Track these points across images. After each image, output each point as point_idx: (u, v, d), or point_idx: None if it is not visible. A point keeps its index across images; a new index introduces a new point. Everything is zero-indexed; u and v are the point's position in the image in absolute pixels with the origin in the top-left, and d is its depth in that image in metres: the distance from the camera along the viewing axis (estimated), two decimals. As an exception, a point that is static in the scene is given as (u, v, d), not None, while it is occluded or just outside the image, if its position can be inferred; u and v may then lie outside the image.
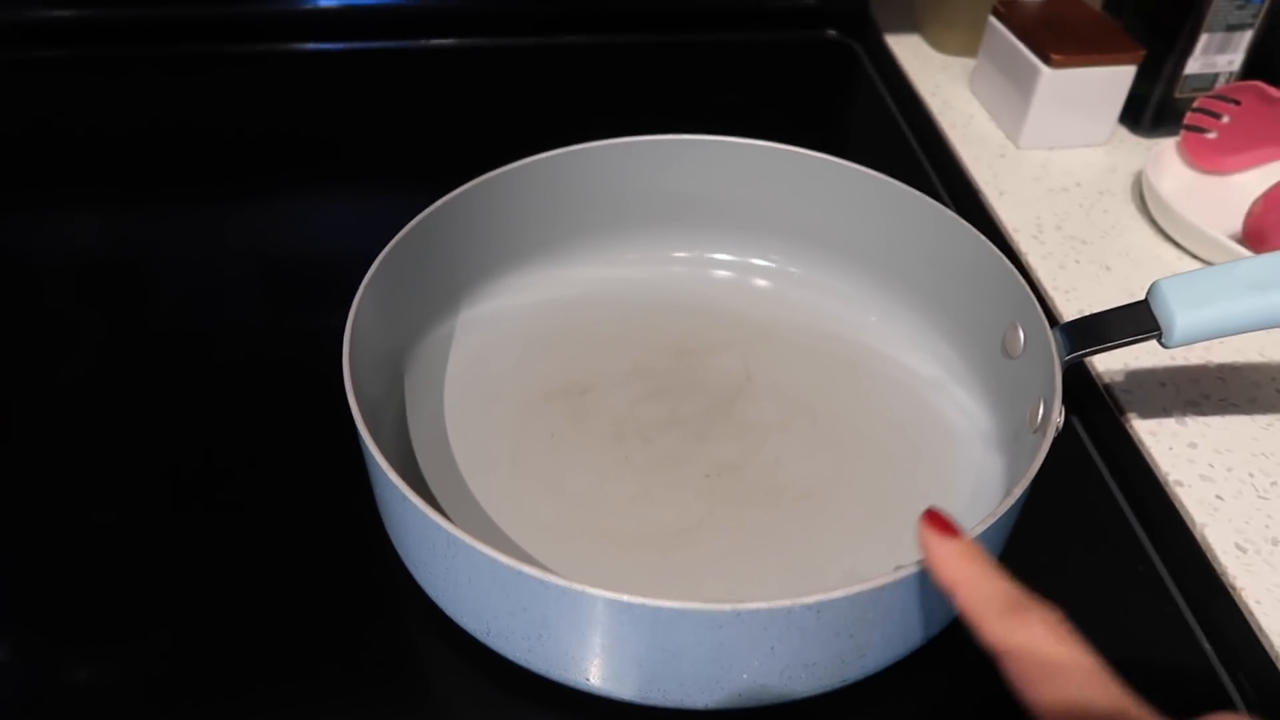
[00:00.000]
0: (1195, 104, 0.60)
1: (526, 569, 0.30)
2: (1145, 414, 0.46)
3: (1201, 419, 0.46)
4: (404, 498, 0.33)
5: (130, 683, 0.36)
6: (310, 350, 0.43)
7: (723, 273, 0.53)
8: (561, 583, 0.30)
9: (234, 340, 0.50)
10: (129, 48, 0.72)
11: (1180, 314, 0.37)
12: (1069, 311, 0.52)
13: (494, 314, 0.49)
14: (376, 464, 0.34)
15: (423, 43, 0.75)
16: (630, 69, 0.75)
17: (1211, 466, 0.44)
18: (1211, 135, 0.60)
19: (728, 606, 0.29)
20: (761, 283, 0.52)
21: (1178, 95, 0.64)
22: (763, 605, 0.30)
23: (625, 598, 0.30)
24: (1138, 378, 0.48)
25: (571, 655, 0.33)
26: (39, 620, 0.38)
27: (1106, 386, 0.47)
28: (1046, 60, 0.61)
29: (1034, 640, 0.25)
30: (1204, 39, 0.61)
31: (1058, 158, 0.64)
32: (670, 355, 0.48)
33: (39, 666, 0.36)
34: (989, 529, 0.32)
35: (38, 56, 0.71)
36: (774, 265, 0.53)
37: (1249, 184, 0.59)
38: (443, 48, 0.75)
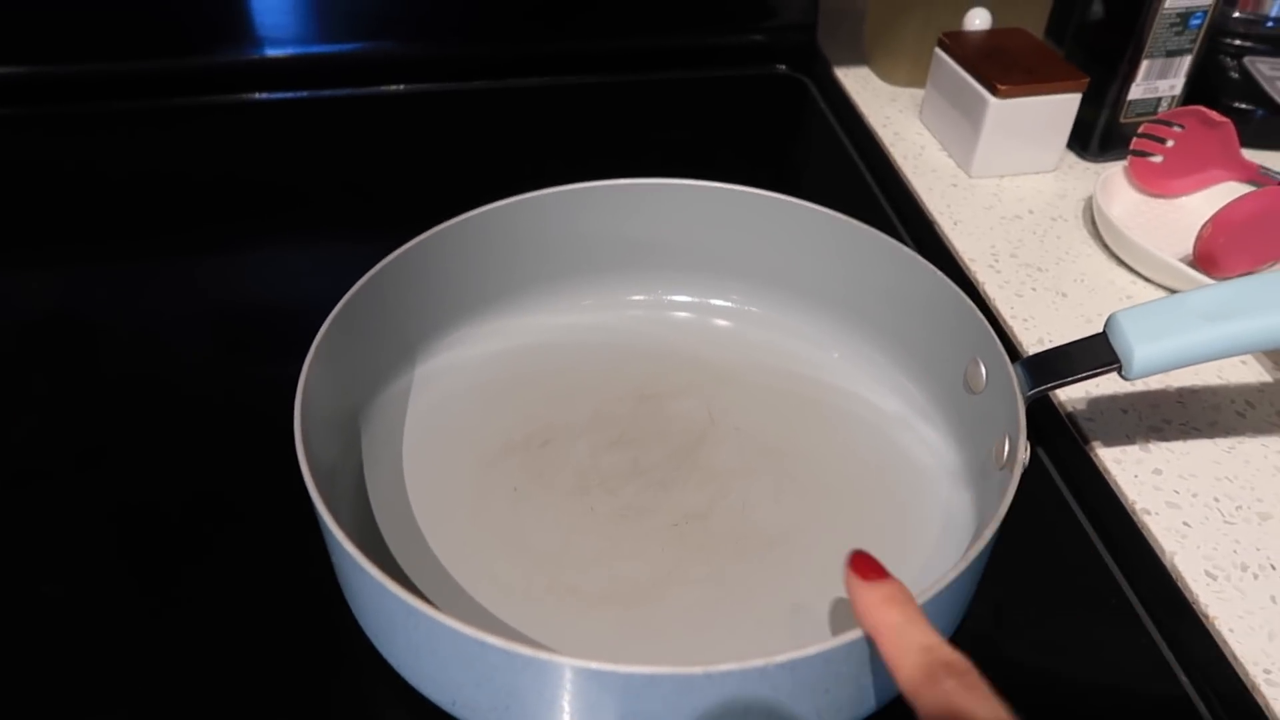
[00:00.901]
0: (1140, 129, 0.61)
1: (489, 639, 0.29)
2: (1109, 442, 0.46)
3: (1164, 444, 0.46)
4: (360, 568, 0.31)
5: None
6: (268, 402, 0.41)
7: (682, 314, 0.52)
8: (526, 652, 0.29)
9: (188, 396, 0.48)
10: (77, 105, 0.70)
11: (1139, 347, 0.37)
12: (1028, 340, 0.52)
13: (451, 366, 0.48)
14: (331, 532, 0.33)
15: (373, 89, 0.74)
16: (581, 109, 0.75)
17: (1177, 493, 0.44)
18: (1157, 159, 0.61)
19: (699, 669, 0.29)
20: (722, 323, 0.52)
21: (1123, 120, 0.65)
22: (734, 666, 0.29)
23: (593, 665, 0.29)
24: (1099, 405, 0.48)
25: (540, 724, 0.32)
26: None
27: (1069, 415, 0.47)
28: (993, 90, 0.61)
29: (948, 694, 0.26)
30: (1145, 65, 0.62)
31: (1009, 185, 0.64)
32: (631, 401, 0.47)
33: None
34: (962, 574, 0.32)
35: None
36: (733, 305, 0.52)
37: (1197, 206, 0.60)
38: (392, 94, 0.74)
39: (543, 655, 0.29)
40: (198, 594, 0.40)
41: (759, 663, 0.29)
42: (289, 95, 0.73)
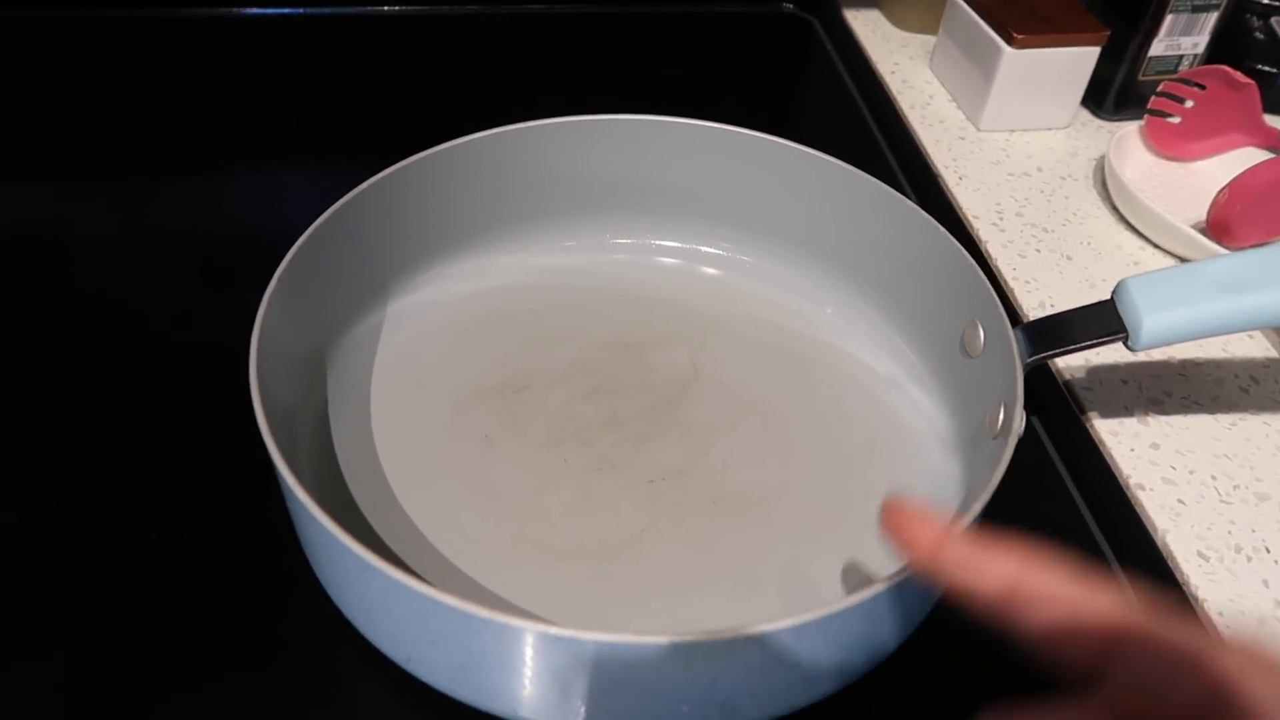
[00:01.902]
0: (1159, 88, 0.58)
1: (444, 598, 0.28)
2: (1106, 413, 0.44)
3: (1164, 418, 0.44)
4: (312, 516, 0.30)
5: (32, 703, 0.33)
6: (232, 331, 0.39)
7: (669, 260, 0.50)
8: (483, 613, 0.27)
9: (152, 321, 0.46)
10: (54, 11, 0.67)
11: (1148, 316, 0.35)
12: (1029, 304, 0.50)
13: (424, 305, 0.46)
14: (284, 478, 0.31)
15: (362, 9, 0.71)
16: (576, 39, 0.71)
17: (1174, 469, 0.42)
18: (1175, 120, 0.58)
19: (664, 639, 0.27)
20: (710, 271, 0.50)
21: (1141, 78, 0.62)
22: (701, 637, 0.27)
23: (552, 630, 0.27)
24: (1098, 374, 0.46)
25: (497, 687, 0.30)
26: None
27: (1067, 384, 0.46)
28: (1009, 39, 0.58)
29: (1015, 572, 0.24)
30: (1169, 20, 0.59)
31: (1019, 140, 0.62)
32: (612, 350, 0.45)
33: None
34: (946, 549, 0.30)
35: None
36: (724, 253, 0.50)
37: (1213, 171, 0.58)
38: (381, 14, 0.71)
39: (499, 617, 0.27)
40: (148, 528, 0.38)
41: (727, 634, 0.27)
42: (277, 11, 0.70)
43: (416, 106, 0.63)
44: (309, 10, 0.70)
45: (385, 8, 0.71)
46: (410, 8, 0.71)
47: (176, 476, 0.40)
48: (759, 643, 0.28)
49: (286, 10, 0.70)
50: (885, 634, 0.32)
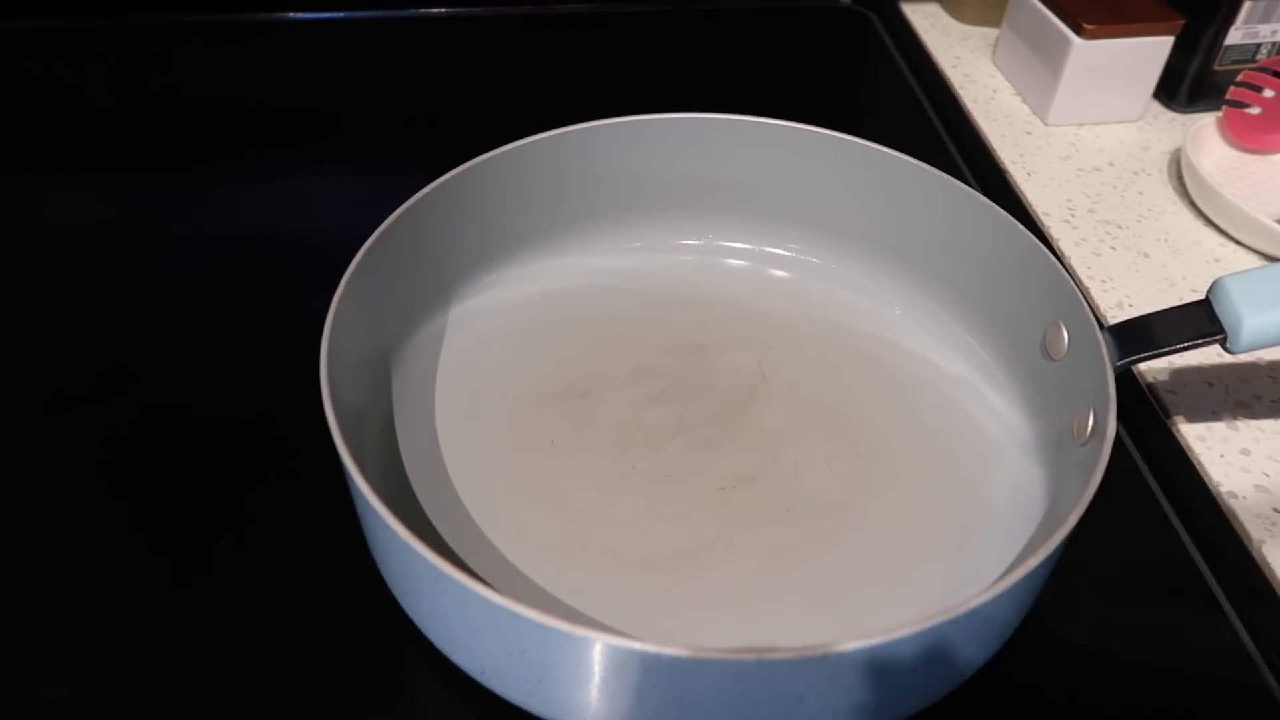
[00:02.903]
0: (1238, 77, 0.56)
1: (522, 610, 0.27)
2: (1193, 418, 0.42)
3: (1254, 422, 0.42)
4: (385, 525, 0.29)
5: (97, 709, 0.32)
6: (299, 335, 0.39)
7: (736, 262, 0.49)
8: (562, 626, 0.27)
9: (217, 327, 0.46)
10: (108, 19, 0.67)
11: (1249, 317, 0.34)
12: (1106, 303, 0.48)
13: (488, 308, 0.46)
14: (356, 484, 0.30)
15: (413, 12, 0.70)
16: (631, 39, 0.70)
17: (1267, 475, 0.40)
18: (1255, 111, 0.56)
19: (751, 656, 0.26)
20: (778, 273, 0.48)
21: (1217, 68, 0.60)
22: (790, 654, 0.26)
23: (635, 645, 0.26)
24: (1183, 377, 0.44)
25: (576, 701, 0.29)
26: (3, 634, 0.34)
27: (1150, 387, 0.44)
28: (1078, 30, 0.57)
29: None
30: (1247, 6, 0.57)
31: (1088, 135, 0.60)
32: (678, 353, 0.44)
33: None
34: (1043, 562, 0.29)
35: (10, 27, 0.66)
36: (792, 255, 0.49)
37: (1296, 164, 0.55)
38: (433, 17, 0.70)
39: (579, 630, 0.27)
40: (217, 534, 0.38)
41: (818, 651, 0.26)
42: (326, 16, 0.69)
43: (470, 109, 0.62)
44: (357, 14, 0.70)
45: (435, 9, 0.71)
46: (460, 9, 0.71)
47: (244, 482, 0.40)
48: (849, 660, 0.27)
49: (335, 14, 0.70)
50: (976, 649, 0.31)
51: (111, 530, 0.38)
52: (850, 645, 0.26)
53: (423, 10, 0.71)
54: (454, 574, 0.28)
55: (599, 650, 0.27)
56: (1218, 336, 0.35)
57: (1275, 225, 0.49)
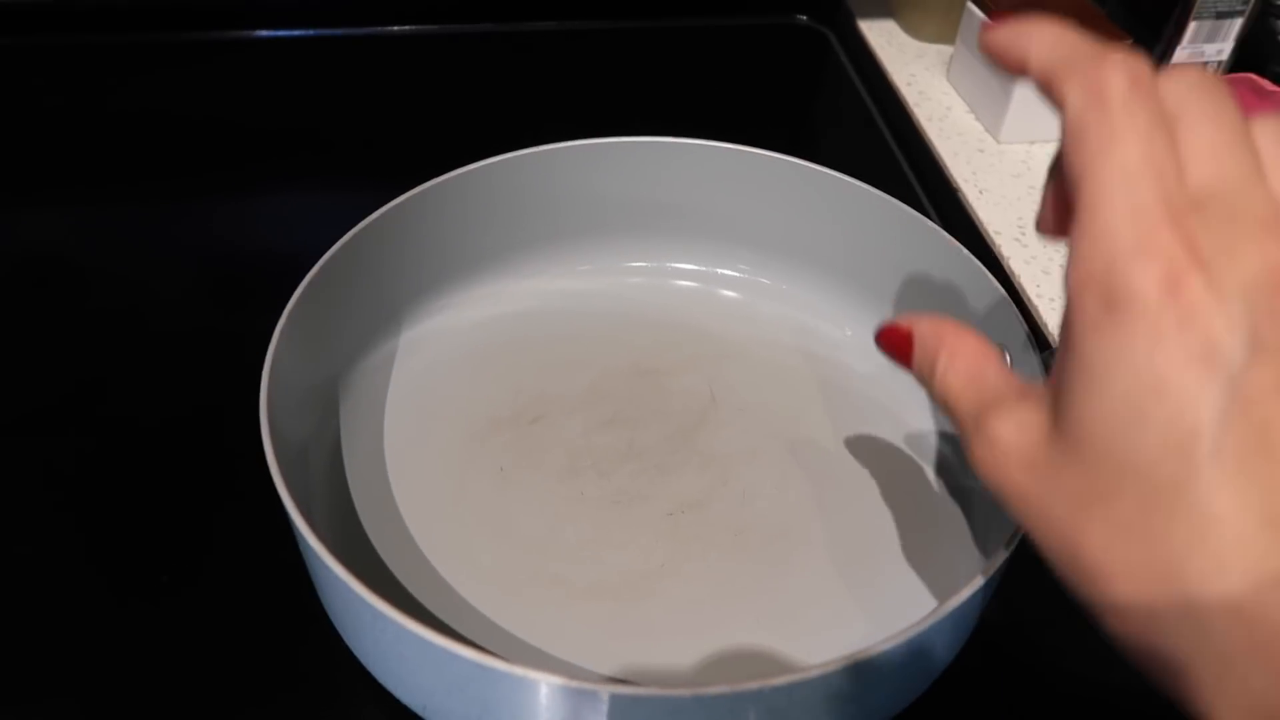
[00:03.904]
0: (1184, 96, 0.57)
1: (458, 649, 0.27)
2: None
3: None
4: (324, 564, 0.29)
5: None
6: (247, 362, 0.39)
7: (686, 283, 0.49)
8: (498, 665, 0.27)
9: (165, 351, 0.46)
10: (68, 36, 0.67)
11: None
12: (1055, 322, 0.48)
13: (438, 333, 0.45)
14: (296, 525, 0.30)
15: (373, 30, 0.70)
16: (587, 56, 0.70)
17: (1208, 494, 0.41)
18: (1201, 129, 0.57)
19: (687, 691, 0.26)
20: (728, 294, 0.49)
21: (1164, 86, 0.60)
22: (726, 689, 0.26)
23: (572, 684, 0.26)
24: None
25: (516, 736, 0.29)
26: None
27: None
28: (1028, 49, 0.57)
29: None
30: (1192, 26, 0.58)
31: (1040, 152, 0.61)
32: (628, 376, 0.44)
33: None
34: (991, 577, 0.29)
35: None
36: (742, 275, 0.49)
37: (1240, 182, 0.56)
38: (393, 35, 0.70)
39: (517, 670, 0.27)
40: (160, 565, 0.37)
41: (753, 685, 0.26)
42: (289, 33, 0.69)
43: (427, 128, 0.62)
44: (320, 32, 0.69)
45: (395, 27, 0.70)
46: (422, 27, 0.71)
47: (193, 511, 0.39)
48: (786, 693, 0.27)
49: (298, 32, 0.69)
50: (920, 675, 0.31)
51: (52, 559, 0.37)
52: (785, 679, 0.26)
53: (381, 28, 0.70)
54: (390, 613, 0.27)
55: (534, 687, 0.27)
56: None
57: (1219, 243, 0.49)
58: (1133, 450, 0.19)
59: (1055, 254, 0.53)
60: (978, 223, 0.55)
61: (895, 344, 0.29)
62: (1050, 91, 0.22)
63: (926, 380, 0.27)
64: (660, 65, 0.70)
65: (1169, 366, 0.19)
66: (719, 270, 0.49)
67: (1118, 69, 0.21)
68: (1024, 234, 0.54)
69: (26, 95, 0.63)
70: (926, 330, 0.27)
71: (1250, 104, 0.55)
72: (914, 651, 0.29)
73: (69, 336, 0.46)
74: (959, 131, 0.62)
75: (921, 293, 0.44)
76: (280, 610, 0.36)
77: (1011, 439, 0.22)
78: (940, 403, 0.26)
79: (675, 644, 0.35)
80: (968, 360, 0.26)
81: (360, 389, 0.43)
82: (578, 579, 0.37)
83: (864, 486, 0.40)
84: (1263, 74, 0.56)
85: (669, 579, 0.37)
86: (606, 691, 0.26)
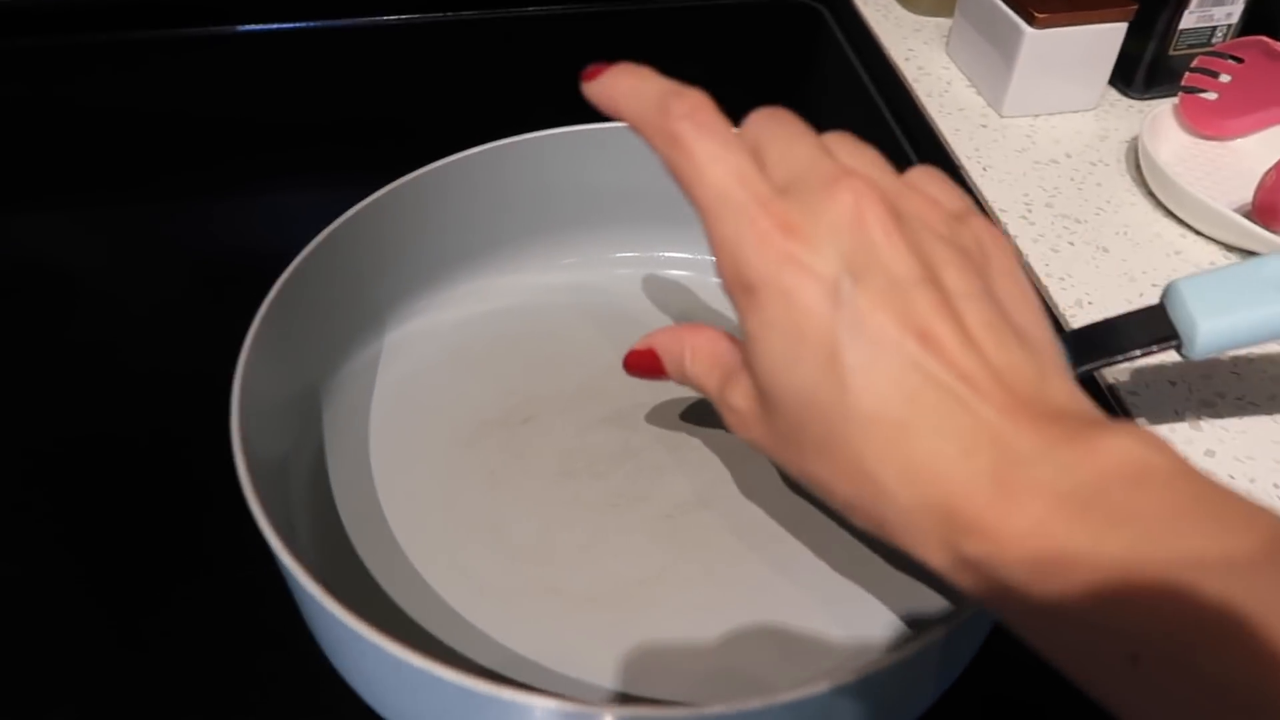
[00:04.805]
0: (1194, 63, 0.55)
1: (446, 674, 0.25)
2: (1156, 418, 0.41)
3: (1218, 421, 0.41)
4: (301, 584, 0.27)
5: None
6: (224, 368, 0.37)
7: (677, 273, 0.47)
8: (488, 690, 0.25)
9: (140, 359, 0.45)
10: (47, 37, 0.65)
11: (1203, 321, 0.32)
12: (1065, 301, 0.47)
13: (423, 333, 0.44)
14: (273, 545, 0.29)
15: (357, 21, 0.68)
16: (577, 40, 0.69)
17: (1233, 477, 0.39)
18: (1212, 97, 0.55)
19: (682, 712, 0.25)
20: (719, 282, 0.47)
21: (1172, 53, 0.58)
22: (724, 709, 0.25)
23: (568, 707, 0.25)
24: (1144, 376, 0.43)
25: (510, 761, 0.28)
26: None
27: (1111, 388, 0.43)
28: (1029, 19, 0.55)
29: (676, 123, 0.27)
30: (1200, -11, 0.56)
31: (1044, 126, 0.59)
32: (621, 372, 0.42)
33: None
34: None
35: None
36: (737, 263, 0.47)
37: (1254, 150, 0.54)
38: (379, 25, 0.68)
39: (506, 694, 0.25)
40: (141, 580, 0.36)
41: (756, 704, 0.25)
42: (269, 27, 0.67)
43: (414, 119, 0.60)
44: (300, 25, 0.67)
45: (378, 18, 0.69)
46: (404, 16, 0.69)
47: (170, 526, 0.38)
48: (791, 710, 0.25)
49: (276, 26, 0.67)
50: (930, 686, 0.30)
51: (31, 574, 0.36)
52: (789, 695, 0.25)
53: (365, 19, 0.68)
54: (372, 636, 0.26)
55: (527, 712, 0.25)
56: (1172, 342, 0.33)
57: (1235, 215, 0.48)
58: (800, 386, 0.24)
59: (1063, 231, 0.51)
60: (983, 200, 0.53)
61: (642, 364, 0.33)
62: (642, 138, 0.27)
63: (681, 379, 0.31)
64: (656, 45, 0.68)
65: (800, 314, 0.24)
66: (709, 258, 0.47)
67: (681, 117, 0.26)
68: (1030, 211, 0.52)
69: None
70: (666, 339, 0.32)
71: (1262, 67, 0.53)
72: (932, 658, 0.27)
73: (46, 349, 0.45)
74: (960, 107, 0.60)
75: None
76: (267, 627, 0.35)
77: (741, 404, 0.28)
78: (697, 390, 0.30)
79: (676, 655, 0.33)
80: (706, 349, 0.30)
81: (343, 395, 0.41)
82: (574, 588, 0.35)
83: (871, 481, 0.39)
84: (1274, 36, 0.54)
85: (669, 585, 0.35)
86: (602, 715, 0.25)
